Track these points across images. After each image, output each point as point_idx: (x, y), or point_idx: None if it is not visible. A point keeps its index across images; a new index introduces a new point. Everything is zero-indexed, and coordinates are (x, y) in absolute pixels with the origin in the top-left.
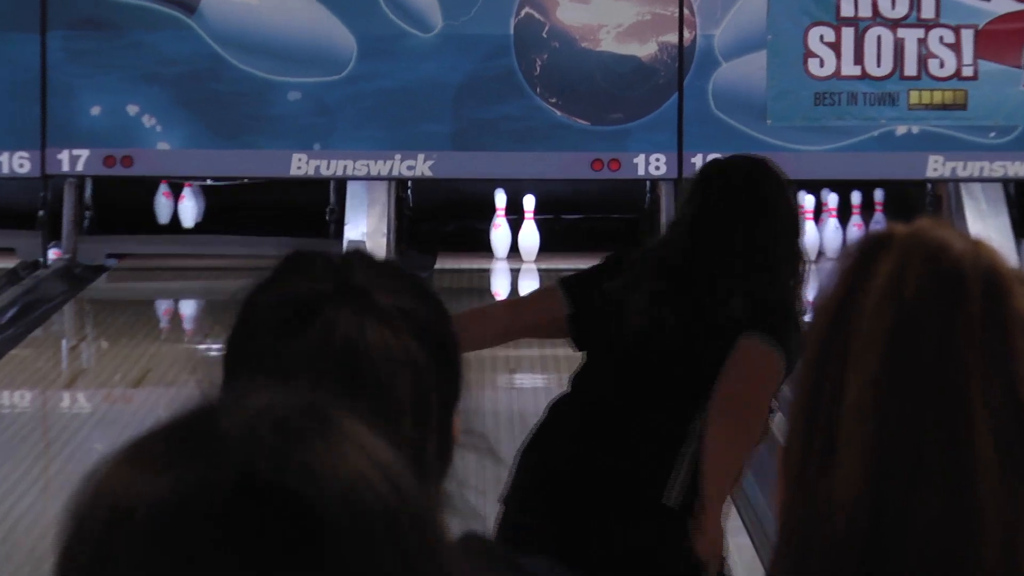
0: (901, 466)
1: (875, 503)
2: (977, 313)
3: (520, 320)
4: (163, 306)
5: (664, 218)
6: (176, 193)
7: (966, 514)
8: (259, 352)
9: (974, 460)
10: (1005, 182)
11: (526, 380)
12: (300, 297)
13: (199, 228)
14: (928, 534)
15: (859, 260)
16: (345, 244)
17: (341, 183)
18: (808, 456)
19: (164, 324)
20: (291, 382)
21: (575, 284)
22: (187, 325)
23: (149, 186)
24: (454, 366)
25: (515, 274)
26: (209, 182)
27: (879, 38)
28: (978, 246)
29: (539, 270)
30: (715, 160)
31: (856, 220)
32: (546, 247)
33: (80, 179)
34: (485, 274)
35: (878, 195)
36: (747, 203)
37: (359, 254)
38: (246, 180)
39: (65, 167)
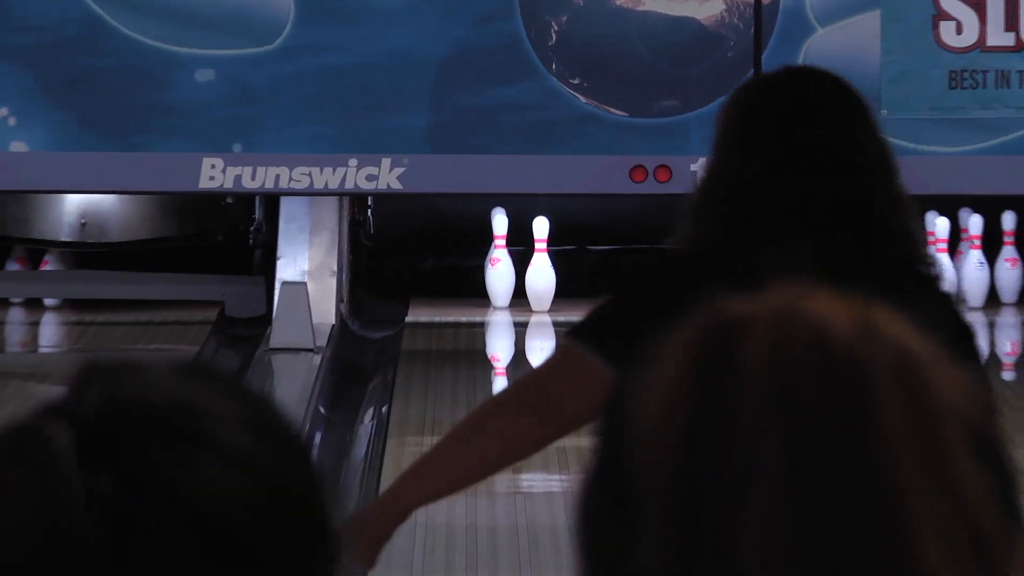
0: None
1: None
2: (895, 411)
3: (550, 420)
4: None
5: None
6: (35, 263)
7: None
8: None
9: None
10: None
11: (536, 482)
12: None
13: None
14: None
15: (702, 364)
16: (278, 288)
17: (272, 201)
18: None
19: None
20: None
21: (607, 333)
22: None
23: None
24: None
25: (520, 331)
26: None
27: None
28: (869, 315)
29: (555, 324)
30: (762, 79)
31: (1009, 253)
32: (564, 291)
33: None
34: (477, 330)
35: (1007, 222)
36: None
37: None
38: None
39: None
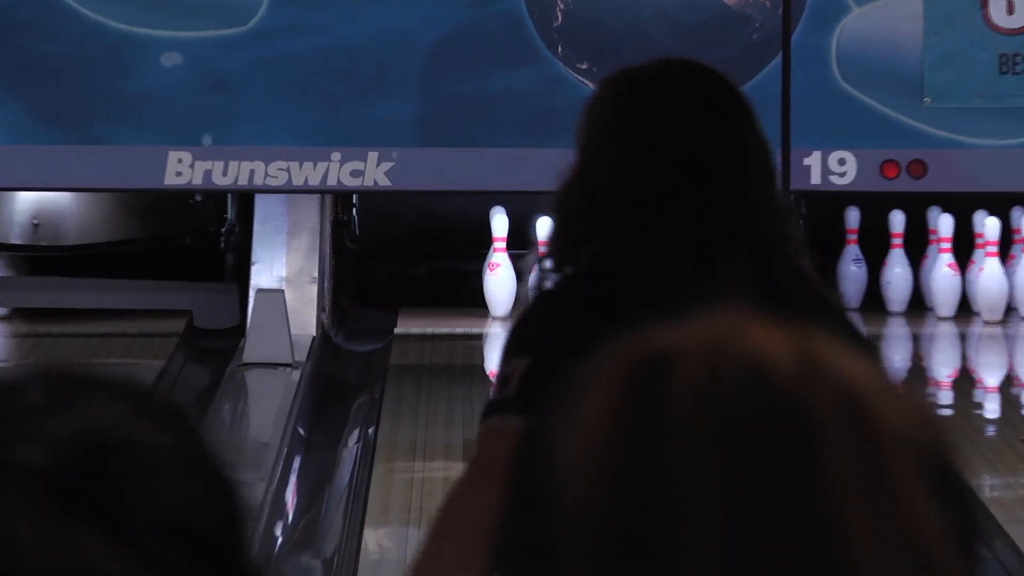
0: None
1: None
2: (840, 451)
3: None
4: None
5: None
6: None
7: None
8: None
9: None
10: None
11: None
12: None
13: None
14: None
15: (628, 402)
16: (252, 296)
17: (246, 199)
18: None
19: None
20: None
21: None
22: None
23: None
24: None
25: None
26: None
27: None
28: (809, 346)
29: None
30: (627, 72)
31: None
32: None
33: None
34: (475, 343)
35: None
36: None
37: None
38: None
39: None
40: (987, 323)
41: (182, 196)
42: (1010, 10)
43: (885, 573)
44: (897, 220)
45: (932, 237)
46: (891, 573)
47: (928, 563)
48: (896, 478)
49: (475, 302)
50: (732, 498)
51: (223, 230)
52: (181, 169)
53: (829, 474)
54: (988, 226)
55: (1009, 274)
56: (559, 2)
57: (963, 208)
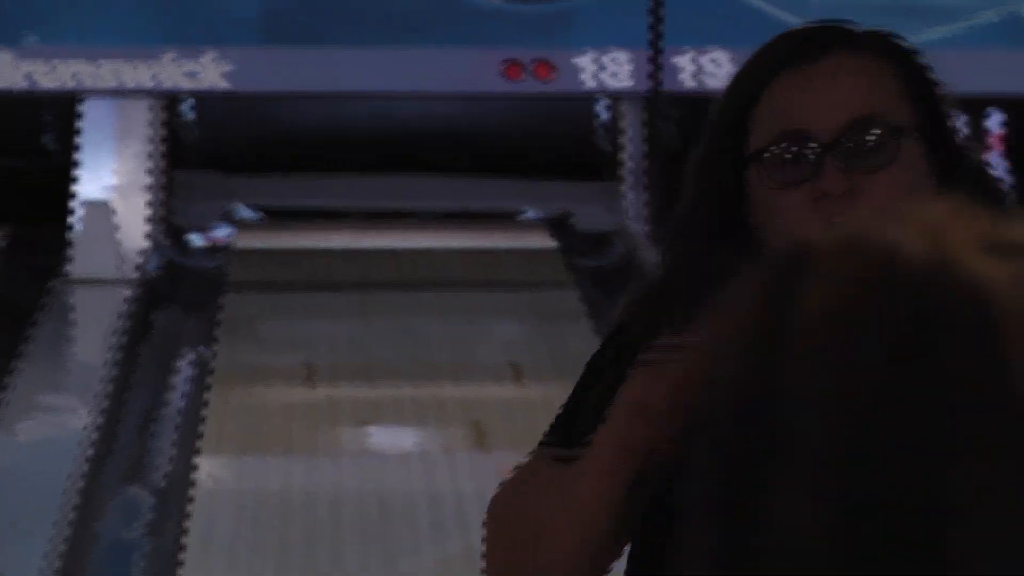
0: None
1: None
2: (960, 370)
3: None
4: None
5: (629, 164)
6: None
7: None
8: None
9: None
10: None
11: (385, 440)
12: None
13: None
14: None
15: (764, 300)
16: (78, 209)
17: (68, 102)
18: None
19: None
20: None
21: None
22: None
23: None
24: None
25: (385, 258)
26: None
27: None
28: (947, 244)
29: (412, 252)
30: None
31: None
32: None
33: None
34: (321, 259)
35: (994, 122)
36: None
37: None
38: None
39: None
40: None
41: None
42: None
43: (998, 499)
44: None
45: None
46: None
47: None
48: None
49: (323, 215)
50: (842, 413)
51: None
52: (1, 70)
53: (949, 392)
54: None
55: None
56: None
57: None
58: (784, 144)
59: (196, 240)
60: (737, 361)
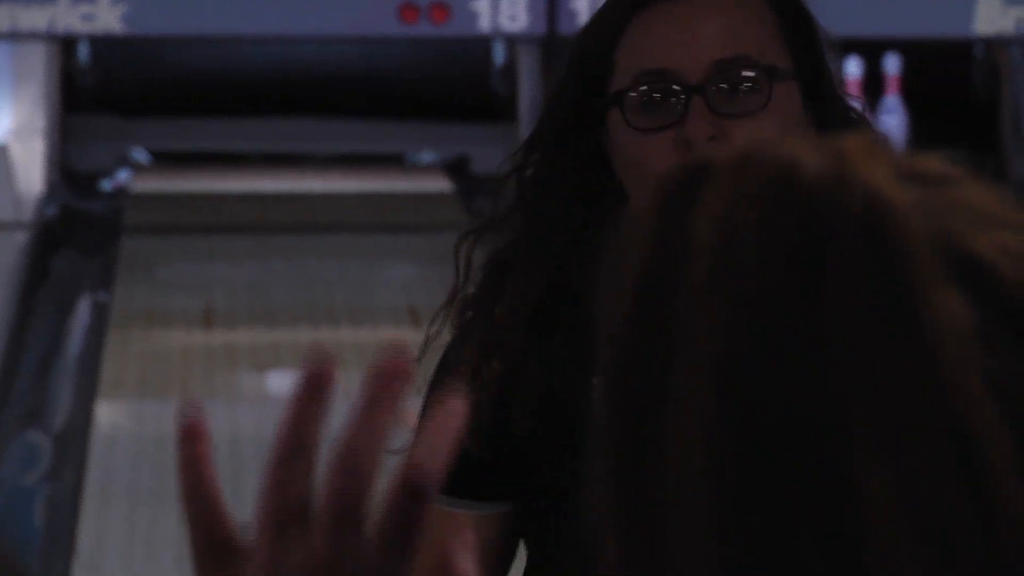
0: (763, 541)
1: None
2: (854, 283)
3: None
4: None
5: (526, 107)
6: None
7: None
8: None
9: (870, 534)
10: None
11: (284, 384)
12: None
13: None
14: None
15: (665, 210)
16: None
17: None
18: (629, 535)
19: None
20: None
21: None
22: None
23: None
24: None
25: (284, 203)
26: None
27: None
28: (847, 160)
29: (310, 195)
30: None
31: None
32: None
33: None
34: (220, 202)
35: (892, 65)
36: None
37: None
38: None
39: None
40: None
41: None
42: None
43: (892, 469)
44: None
45: None
46: (902, 470)
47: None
48: (920, 319)
49: (220, 159)
50: (730, 327)
51: None
52: None
53: (839, 296)
54: None
55: None
56: None
57: None
58: (646, 85)
59: (105, 185)
60: (638, 270)
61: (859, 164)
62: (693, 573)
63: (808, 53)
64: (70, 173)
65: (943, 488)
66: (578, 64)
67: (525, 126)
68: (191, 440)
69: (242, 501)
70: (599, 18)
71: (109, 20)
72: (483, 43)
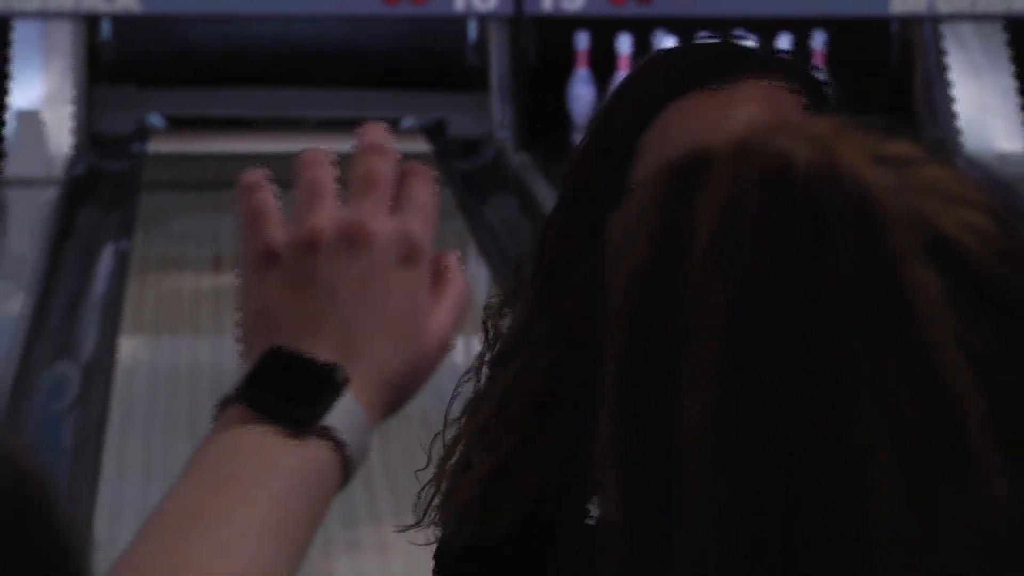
0: (770, 510)
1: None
2: (846, 261)
3: None
4: None
5: (496, 78)
6: None
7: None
8: None
9: (866, 484)
10: (1009, 20)
11: None
12: None
13: None
14: None
15: (670, 197)
16: (11, 118)
17: (2, 24)
18: (637, 525)
19: None
20: None
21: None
22: None
23: None
24: None
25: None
26: None
27: None
28: (834, 152)
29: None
30: None
31: None
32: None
33: None
34: (227, 163)
35: (818, 41)
36: None
37: None
38: None
39: None
40: None
41: None
42: None
43: (892, 431)
44: (624, 43)
45: None
46: (898, 431)
47: (948, 396)
48: (908, 308)
49: (227, 124)
50: (735, 309)
51: None
52: None
53: (833, 288)
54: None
55: None
56: None
57: (686, 31)
58: None
59: (135, 148)
60: (642, 256)
61: (843, 152)
62: (699, 541)
63: None
64: (94, 136)
65: (930, 445)
66: (599, 149)
67: (495, 95)
68: (252, 189)
69: None
70: (627, 102)
71: (128, 1)
72: (458, 22)
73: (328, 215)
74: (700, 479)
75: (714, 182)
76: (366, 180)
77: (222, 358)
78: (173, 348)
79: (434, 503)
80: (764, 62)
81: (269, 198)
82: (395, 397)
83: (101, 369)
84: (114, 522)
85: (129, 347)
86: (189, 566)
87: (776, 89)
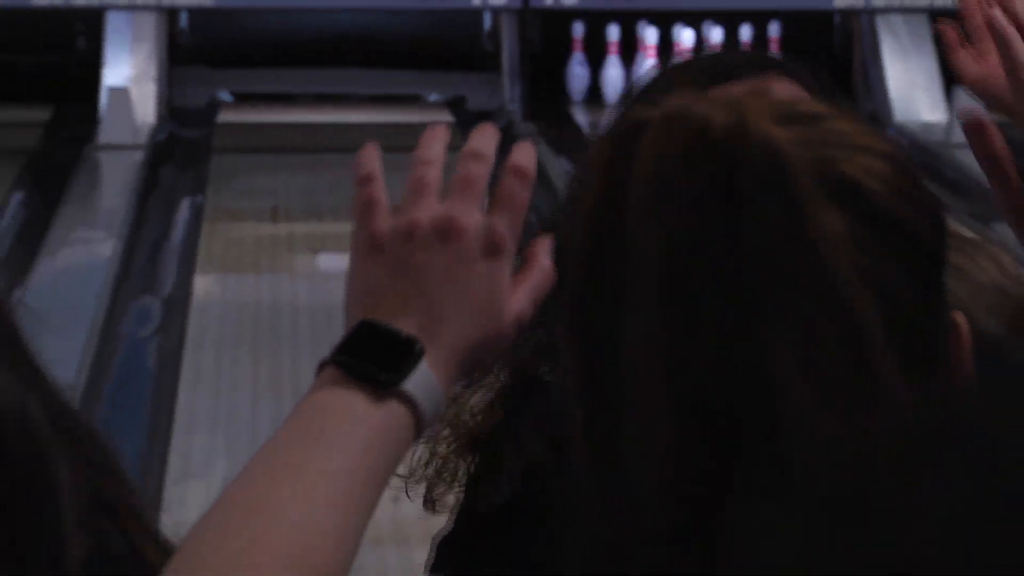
0: (706, 427)
1: (685, 487)
2: (759, 208)
3: None
4: None
5: (507, 61)
6: None
7: (785, 486)
8: None
9: (785, 395)
10: (932, 13)
11: (332, 264)
12: None
13: None
14: (750, 507)
15: (611, 159)
16: (104, 93)
17: (96, 15)
18: (593, 426)
19: None
20: None
21: None
22: None
23: None
24: None
25: (316, 133)
26: None
27: None
28: (745, 115)
29: (347, 125)
30: None
31: None
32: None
33: None
34: (290, 132)
35: (773, 30)
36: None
37: None
38: None
39: None
40: None
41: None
42: None
43: (804, 356)
44: (613, 31)
45: (641, 46)
46: (810, 357)
47: (860, 332)
48: (804, 210)
49: (283, 98)
50: (667, 262)
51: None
52: None
53: (749, 239)
54: (684, 37)
55: None
56: None
57: (665, 21)
58: None
59: (207, 118)
60: (588, 212)
61: (752, 114)
62: (646, 441)
63: None
64: (174, 109)
65: (838, 360)
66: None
67: (506, 75)
68: (368, 181)
69: (299, 355)
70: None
71: None
72: (475, 13)
73: (427, 209)
74: (643, 388)
75: (645, 145)
76: (464, 181)
77: (277, 294)
78: (238, 285)
79: (429, 467)
80: (771, 63)
81: (381, 190)
82: (469, 366)
83: (178, 303)
84: (189, 431)
85: (202, 284)
86: (268, 505)
87: (793, 88)
